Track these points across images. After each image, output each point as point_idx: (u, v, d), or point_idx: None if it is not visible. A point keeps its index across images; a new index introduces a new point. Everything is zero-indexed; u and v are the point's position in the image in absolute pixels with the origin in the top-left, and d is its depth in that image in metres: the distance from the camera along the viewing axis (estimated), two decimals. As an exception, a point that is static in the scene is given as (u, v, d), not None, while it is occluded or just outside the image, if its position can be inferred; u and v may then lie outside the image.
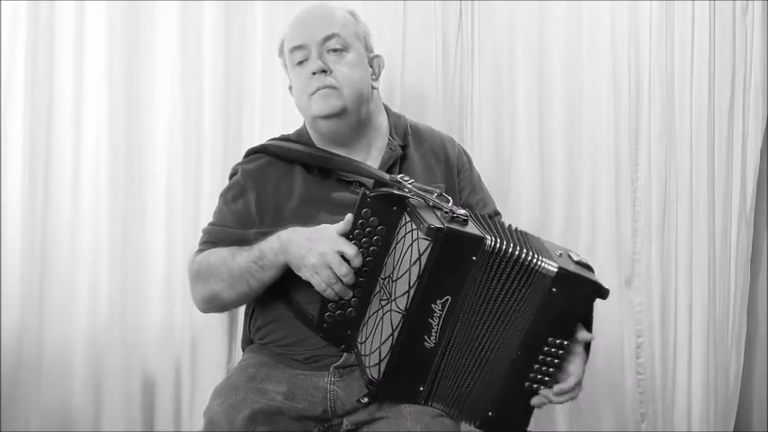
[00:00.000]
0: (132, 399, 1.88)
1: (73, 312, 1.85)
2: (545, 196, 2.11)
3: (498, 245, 1.26)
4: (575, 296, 1.30)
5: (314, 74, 1.48)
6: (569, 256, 1.34)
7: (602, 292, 1.31)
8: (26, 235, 1.81)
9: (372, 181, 1.42)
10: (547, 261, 1.28)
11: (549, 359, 1.31)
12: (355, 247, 1.29)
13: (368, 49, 1.58)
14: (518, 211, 2.06)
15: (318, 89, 1.48)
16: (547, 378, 1.33)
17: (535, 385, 1.33)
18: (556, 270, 1.27)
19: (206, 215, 1.73)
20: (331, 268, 1.29)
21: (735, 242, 2.19)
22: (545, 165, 2.11)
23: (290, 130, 1.65)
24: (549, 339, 1.30)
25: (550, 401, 1.34)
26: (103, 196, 1.87)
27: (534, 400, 1.34)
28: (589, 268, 1.35)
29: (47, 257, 1.83)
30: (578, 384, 1.34)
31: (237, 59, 1.94)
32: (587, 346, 1.37)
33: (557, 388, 1.32)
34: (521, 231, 1.37)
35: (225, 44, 1.93)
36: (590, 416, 2.12)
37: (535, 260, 1.27)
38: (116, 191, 1.87)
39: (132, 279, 1.88)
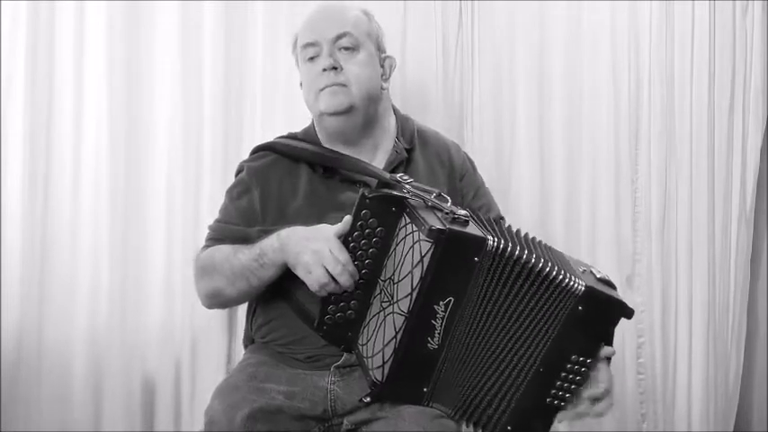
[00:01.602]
0: (132, 399, 1.88)
1: (73, 312, 1.85)
2: (545, 196, 2.10)
3: (501, 245, 1.25)
4: (601, 315, 1.30)
5: (324, 70, 1.48)
6: (592, 273, 1.33)
7: (627, 312, 1.31)
8: (26, 235, 1.81)
9: (377, 182, 1.42)
10: (573, 278, 1.27)
11: (571, 376, 1.31)
12: (347, 254, 1.29)
13: (380, 49, 1.57)
14: (518, 211, 2.06)
15: (327, 86, 1.48)
16: (568, 395, 1.32)
17: (556, 401, 1.32)
18: (584, 289, 1.26)
19: (206, 215, 1.73)
20: (325, 267, 1.29)
21: (735, 242, 2.19)
22: (545, 165, 2.10)
23: (290, 130, 1.63)
24: (573, 357, 1.29)
25: (586, 414, 1.33)
26: (103, 196, 1.87)
27: (563, 416, 1.34)
28: (612, 285, 1.34)
29: (47, 257, 1.83)
30: (608, 392, 1.34)
31: (237, 59, 1.94)
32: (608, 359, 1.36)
33: (587, 393, 1.32)
34: (545, 245, 1.36)
35: (225, 44, 1.93)
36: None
37: (560, 276, 1.26)
38: (116, 191, 1.87)
39: (132, 279, 1.88)
